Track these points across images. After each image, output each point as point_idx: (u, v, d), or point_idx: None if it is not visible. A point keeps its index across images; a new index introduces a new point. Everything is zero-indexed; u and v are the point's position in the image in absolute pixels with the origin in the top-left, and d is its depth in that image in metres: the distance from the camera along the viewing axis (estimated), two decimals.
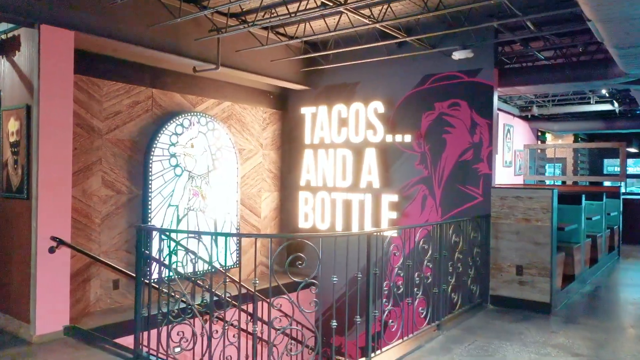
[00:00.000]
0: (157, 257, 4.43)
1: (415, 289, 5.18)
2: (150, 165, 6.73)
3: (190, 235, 4.96)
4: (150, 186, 6.72)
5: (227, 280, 4.45)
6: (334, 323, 4.20)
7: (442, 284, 5.62)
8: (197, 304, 4.33)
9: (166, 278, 4.52)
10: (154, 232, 4.48)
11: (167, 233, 4.59)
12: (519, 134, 12.96)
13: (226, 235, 4.18)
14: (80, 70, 5.98)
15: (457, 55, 6.66)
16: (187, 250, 4.54)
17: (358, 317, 4.34)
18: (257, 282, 4.07)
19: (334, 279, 4.20)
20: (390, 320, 4.78)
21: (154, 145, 6.77)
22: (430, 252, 5.43)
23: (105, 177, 6.36)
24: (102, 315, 6.14)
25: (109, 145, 6.40)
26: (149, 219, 6.71)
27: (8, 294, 5.48)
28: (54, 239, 5.12)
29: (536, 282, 6.37)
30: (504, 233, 6.60)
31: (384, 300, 4.72)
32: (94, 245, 6.26)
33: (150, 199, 6.72)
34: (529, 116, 12.94)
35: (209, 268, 4.37)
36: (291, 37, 7.19)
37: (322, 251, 4.10)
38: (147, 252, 4.48)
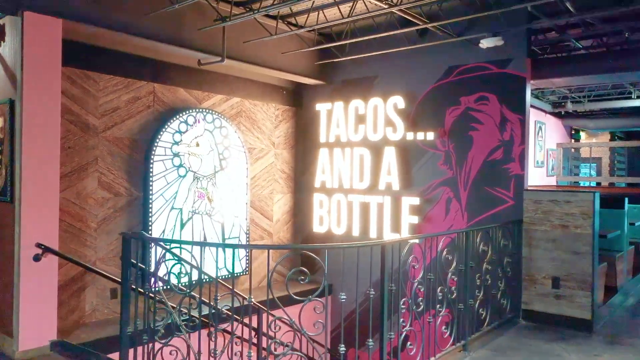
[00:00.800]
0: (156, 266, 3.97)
1: (438, 306, 4.57)
2: (151, 166, 6.27)
3: (180, 244, 4.45)
4: (151, 188, 6.26)
5: (224, 290, 3.93)
6: (342, 348, 3.63)
7: (469, 299, 5.00)
8: (184, 320, 3.82)
9: (152, 290, 4.01)
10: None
11: (158, 242, 4.10)
12: (551, 132, 12.14)
13: (217, 245, 3.67)
14: (74, 63, 5.58)
15: (486, 43, 6.00)
16: (179, 260, 4.05)
17: (370, 340, 3.76)
18: (253, 299, 3.53)
19: (342, 297, 3.63)
20: (409, 343, 4.19)
21: (156, 144, 6.31)
22: (455, 263, 4.82)
23: (101, 178, 5.92)
24: (97, 327, 5.70)
25: (106, 143, 5.96)
26: (150, 223, 6.25)
27: None
28: (39, 245, 4.69)
29: (575, 296, 5.69)
30: (538, 241, 5.94)
31: (402, 320, 4.12)
32: (90, 252, 5.83)
33: (151, 201, 6.26)
34: (563, 113, 12.10)
35: (199, 279, 3.84)
36: (302, 27, 6.64)
37: (333, 262, 3.56)
38: (134, 262, 4.02)
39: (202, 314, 3.93)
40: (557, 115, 12.37)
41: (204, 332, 3.99)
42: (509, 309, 5.86)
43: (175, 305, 4.05)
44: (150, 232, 6.24)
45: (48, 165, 4.78)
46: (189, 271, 4.10)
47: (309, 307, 3.57)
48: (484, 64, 6.56)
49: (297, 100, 8.55)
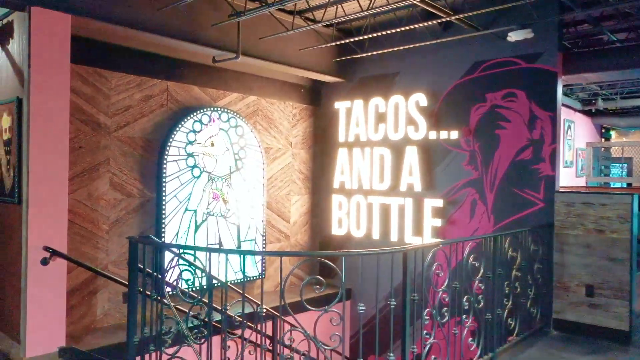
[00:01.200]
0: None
1: (464, 316, 4.27)
2: (165, 166, 6.09)
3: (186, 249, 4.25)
4: (164, 189, 6.08)
5: (238, 296, 3.70)
6: None
7: (497, 308, 4.68)
8: (194, 328, 3.60)
9: (160, 297, 3.80)
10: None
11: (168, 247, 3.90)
12: (581, 131, 11.66)
13: (226, 251, 3.44)
14: (85, 60, 5.43)
15: (514, 36, 5.66)
16: (190, 264, 3.86)
17: (391, 354, 3.49)
18: (265, 308, 3.29)
19: (361, 309, 3.36)
20: (433, 357, 3.91)
21: (169, 144, 6.13)
22: (482, 270, 4.51)
23: (113, 179, 5.76)
24: (108, 332, 5.54)
25: (118, 143, 5.79)
26: (163, 226, 6.07)
27: (2, 309, 4.95)
28: (47, 249, 4.53)
29: (611, 305, 5.33)
30: (570, 246, 5.59)
31: (425, 332, 3.83)
32: (101, 255, 5.67)
33: (164, 203, 6.08)
34: (593, 110, 11.60)
35: (209, 285, 3.62)
36: (319, 22, 6.37)
37: (352, 266, 3.30)
38: (141, 267, 3.83)
39: (214, 320, 3.71)
40: (587, 113, 11.87)
41: (216, 339, 3.76)
42: (539, 317, 5.53)
43: (185, 310, 3.86)
44: (163, 235, 6.07)
45: (57, 166, 4.62)
46: (199, 277, 3.91)
47: (325, 315, 3.33)
48: (511, 59, 6.21)
49: (315, 99, 8.30)
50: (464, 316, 4.27)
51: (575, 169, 11.12)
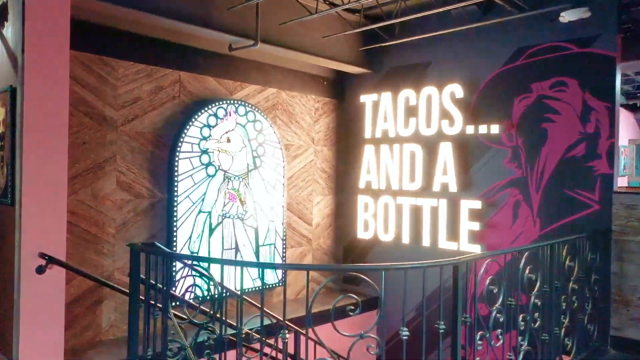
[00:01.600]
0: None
1: (520, 338, 3.65)
2: (177, 164, 5.58)
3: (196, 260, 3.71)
4: (176, 189, 5.57)
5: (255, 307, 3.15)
6: None
7: (554, 327, 4.05)
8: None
9: (159, 315, 3.28)
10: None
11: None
12: (623, 127, 10.85)
13: (243, 264, 2.92)
14: (89, 47, 4.96)
15: (567, 16, 5.01)
16: (202, 276, 3.33)
17: None
18: (287, 337, 2.73)
19: (404, 334, 2.77)
20: None
21: (181, 140, 5.62)
22: (538, 283, 3.88)
23: (120, 178, 5.26)
24: (114, 345, 5.05)
25: (125, 138, 5.29)
26: (175, 229, 5.56)
27: None
28: (43, 256, 4.03)
29: None
30: (632, 254, 4.93)
31: (478, 359, 3.23)
32: (107, 261, 5.18)
33: (176, 204, 5.57)
34: (638, 105, 10.78)
35: (220, 298, 3.08)
36: (345, 4, 5.79)
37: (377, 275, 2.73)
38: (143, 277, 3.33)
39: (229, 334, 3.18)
40: (630, 107, 11.05)
41: (231, 354, 3.22)
42: (596, 335, 4.87)
43: (198, 323, 3.35)
44: (175, 239, 5.56)
45: (54, 163, 4.11)
46: (211, 290, 3.37)
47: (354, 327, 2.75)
48: (562, 44, 5.53)
49: (339, 92, 7.72)
50: (520, 338, 3.66)
51: (618, 167, 10.35)
